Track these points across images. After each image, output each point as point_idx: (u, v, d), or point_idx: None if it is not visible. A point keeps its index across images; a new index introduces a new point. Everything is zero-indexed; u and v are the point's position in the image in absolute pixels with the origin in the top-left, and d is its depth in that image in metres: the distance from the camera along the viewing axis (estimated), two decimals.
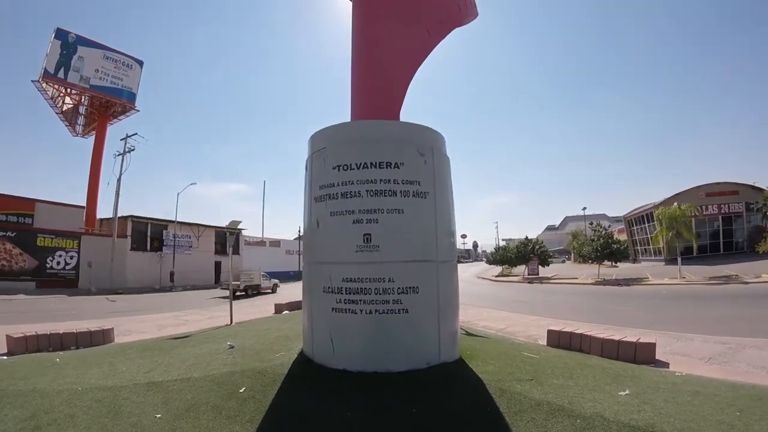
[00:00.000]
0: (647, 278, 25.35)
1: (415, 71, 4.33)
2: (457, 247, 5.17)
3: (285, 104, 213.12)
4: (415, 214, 3.87)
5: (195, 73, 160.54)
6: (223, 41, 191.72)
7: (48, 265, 28.45)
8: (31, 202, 29.17)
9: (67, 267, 29.55)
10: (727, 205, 38.03)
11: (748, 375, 4.82)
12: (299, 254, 46.52)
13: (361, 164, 3.79)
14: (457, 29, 4.73)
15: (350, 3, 4.91)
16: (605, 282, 25.49)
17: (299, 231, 48.92)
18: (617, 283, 24.64)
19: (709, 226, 38.21)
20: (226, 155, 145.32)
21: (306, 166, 4.25)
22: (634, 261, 43.92)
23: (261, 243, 49.84)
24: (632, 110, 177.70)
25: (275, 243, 51.60)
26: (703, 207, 37.14)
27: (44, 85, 35.98)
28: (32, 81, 35.87)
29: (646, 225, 42.15)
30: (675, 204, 28.67)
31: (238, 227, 14.23)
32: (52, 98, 37.60)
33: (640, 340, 5.54)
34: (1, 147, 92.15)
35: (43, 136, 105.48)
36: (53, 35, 36.19)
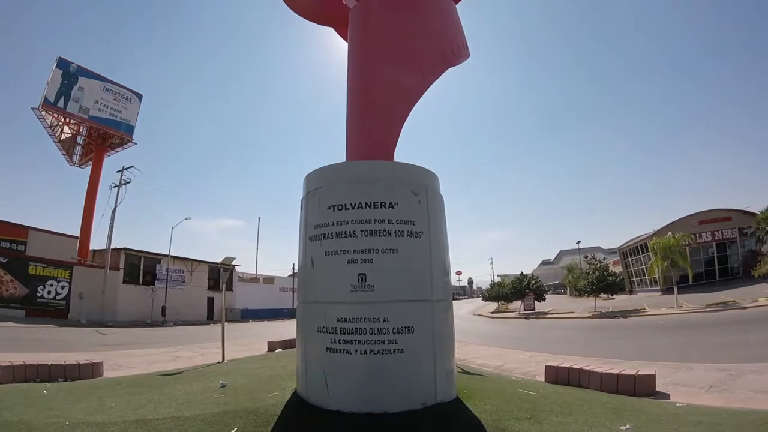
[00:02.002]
0: (644, 309, 25.22)
1: (410, 111, 4.45)
2: (452, 284, 5.18)
3: (281, 141, 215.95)
4: (409, 254, 3.90)
5: (193, 107, 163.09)
6: (222, 76, 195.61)
7: (38, 294, 28.09)
8: (24, 230, 29.06)
9: (58, 297, 29.14)
10: (720, 232, 38.37)
11: (749, 401, 4.80)
12: (293, 292, 46.15)
13: (355, 204, 3.85)
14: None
15: (346, 44, 5.10)
16: (602, 315, 25.33)
17: (293, 268, 48.69)
18: (614, 315, 24.47)
19: (704, 254, 38.42)
20: (222, 191, 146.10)
21: (301, 206, 4.31)
22: (631, 292, 43.82)
23: (255, 279, 49.48)
24: (622, 143, 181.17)
25: (269, 280, 51.18)
26: (697, 235, 37.41)
27: (44, 113, 36.31)
28: (32, 108, 36.14)
29: (641, 256, 42.30)
30: (669, 233, 28.94)
31: (232, 263, 14.16)
32: (50, 126, 37.88)
33: (639, 372, 5.50)
34: None
35: (40, 164, 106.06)
36: (55, 64, 36.79)
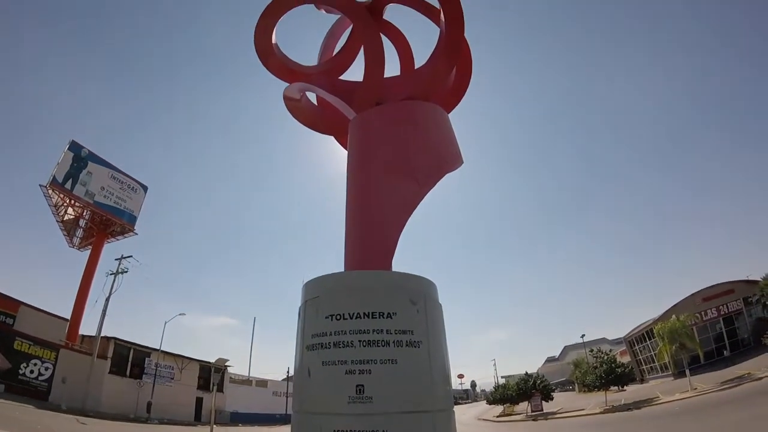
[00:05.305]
0: (657, 397, 24.22)
1: (407, 220, 4.57)
2: (455, 387, 4.99)
3: (279, 243, 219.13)
4: (408, 364, 3.82)
5: (196, 205, 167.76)
6: (222, 176, 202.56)
7: (21, 371, 27.27)
8: (16, 304, 28.92)
9: (41, 378, 28.24)
10: (725, 306, 38.04)
11: None
12: (287, 396, 44.65)
13: (353, 314, 3.83)
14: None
15: (346, 152, 5.40)
16: (614, 408, 24.42)
17: (288, 372, 47.31)
18: (627, 408, 23.52)
19: (712, 330, 37.95)
20: (218, 288, 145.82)
21: (299, 314, 4.29)
22: (642, 381, 42.45)
23: (247, 381, 47.80)
24: (616, 231, 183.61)
25: (262, 383, 49.46)
26: (702, 313, 37.11)
27: (50, 191, 37.39)
28: (40, 185, 37.30)
29: (648, 342, 41.51)
30: (673, 317, 28.61)
31: (225, 365, 13.75)
32: (55, 206, 38.93)
33: None
34: None
35: (40, 240, 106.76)
36: (67, 146, 38.64)
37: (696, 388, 23.19)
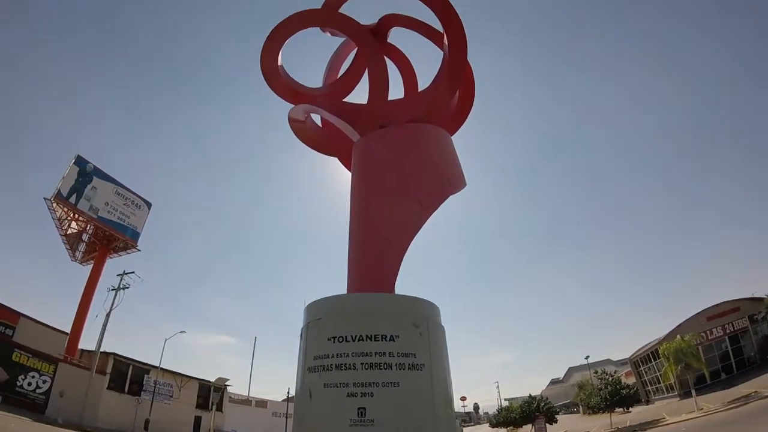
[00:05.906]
0: (664, 418, 23.92)
1: (410, 243, 4.60)
2: (457, 410, 4.94)
3: (282, 263, 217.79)
4: (411, 388, 3.81)
5: (198, 222, 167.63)
6: (225, 195, 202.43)
7: (18, 383, 26.70)
8: (16, 315, 28.67)
9: (38, 390, 27.76)
10: (731, 324, 37.36)
11: None
12: (287, 417, 44.01)
13: (356, 337, 3.85)
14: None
15: (349, 174, 5.46)
16: (620, 431, 24.08)
17: (288, 392, 46.78)
18: (633, 429, 23.35)
19: (718, 349, 37.22)
20: (219, 306, 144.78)
21: (301, 335, 4.30)
22: (648, 402, 41.65)
23: (246, 401, 47.03)
24: (620, 251, 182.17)
25: (261, 403, 48.58)
26: (708, 332, 36.58)
27: (55, 205, 37.29)
28: (45, 198, 37.20)
29: (654, 363, 40.80)
30: (678, 336, 28.34)
31: (225, 384, 13.65)
32: (59, 219, 38.77)
33: None
34: None
35: (42, 252, 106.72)
36: (73, 161, 38.66)
37: (702, 408, 22.89)
